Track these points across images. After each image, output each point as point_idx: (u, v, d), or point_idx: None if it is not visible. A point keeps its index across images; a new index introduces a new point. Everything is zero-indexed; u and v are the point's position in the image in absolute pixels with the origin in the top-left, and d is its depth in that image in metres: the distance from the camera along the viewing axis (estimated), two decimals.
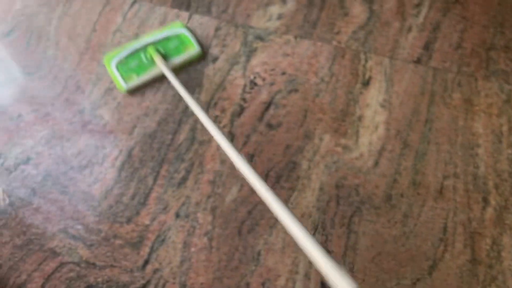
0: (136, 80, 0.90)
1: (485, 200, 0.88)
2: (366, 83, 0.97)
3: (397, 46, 1.01)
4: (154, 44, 0.93)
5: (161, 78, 0.97)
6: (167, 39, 0.93)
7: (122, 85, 0.89)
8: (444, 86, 0.98)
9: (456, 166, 0.90)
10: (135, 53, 0.92)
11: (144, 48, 0.92)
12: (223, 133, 0.68)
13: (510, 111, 0.96)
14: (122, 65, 0.91)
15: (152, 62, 0.92)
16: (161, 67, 0.88)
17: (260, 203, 0.86)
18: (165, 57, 0.92)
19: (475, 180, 0.89)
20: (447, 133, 0.93)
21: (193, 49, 0.94)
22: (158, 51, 0.91)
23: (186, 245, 0.83)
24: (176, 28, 0.95)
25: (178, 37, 0.94)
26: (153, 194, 0.87)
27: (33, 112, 0.93)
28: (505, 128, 0.94)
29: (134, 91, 0.95)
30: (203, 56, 0.97)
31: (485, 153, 0.92)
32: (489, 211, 0.87)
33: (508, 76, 1.00)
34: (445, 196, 0.87)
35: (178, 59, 0.93)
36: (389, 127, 0.94)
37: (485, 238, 0.85)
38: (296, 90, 0.97)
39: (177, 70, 0.97)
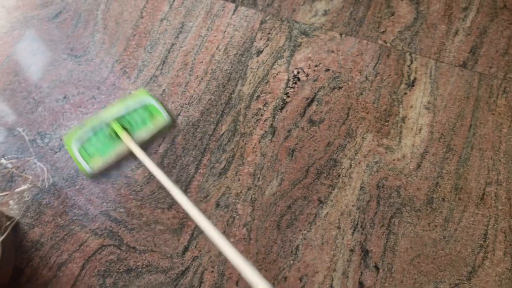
0: (101, 163, 0.83)
1: None
2: (411, 84, 0.97)
3: (443, 48, 1.01)
4: (119, 118, 0.85)
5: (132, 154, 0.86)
6: (133, 111, 0.86)
7: (86, 169, 0.82)
8: (489, 92, 0.97)
9: (499, 173, 0.90)
10: (98, 131, 0.84)
11: (107, 124, 0.85)
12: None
13: None
14: (85, 146, 0.84)
15: (117, 138, 0.84)
16: (128, 144, 0.81)
17: (300, 199, 0.87)
18: (131, 131, 0.84)
19: None
20: (491, 139, 0.93)
21: (162, 119, 0.87)
22: (123, 126, 0.84)
23: (225, 234, 0.84)
24: (142, 97, 0.88)
25: (144, 107, 0.87)
26: (195, 183, 0.88)
27: (79, 95, 0.95)
28: None
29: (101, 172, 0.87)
30: (173, 124, 0.91)
31: None
32: None
33: None
34: (486, 203, 0.87)
35: (145, 132, 0.86)
36: (433, 130, 0.93)
37: None
38: (339, 88, 0.97)
39: (149, 141, 0.89)
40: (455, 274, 0.82)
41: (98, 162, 0.83)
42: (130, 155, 0.86)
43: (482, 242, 0.84)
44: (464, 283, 0.81)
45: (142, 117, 0.86)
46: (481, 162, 0.90)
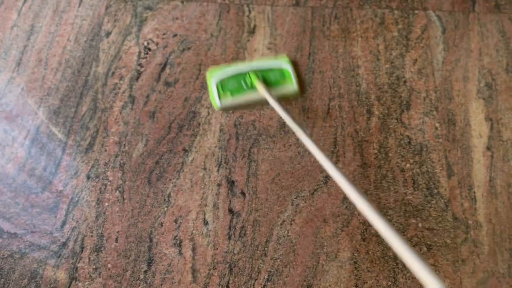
0: (230, 100, 0.94)
1: (369, 112, 1.03)
2: (252, 31, 1.13)
3: None
4: (256, 71, 0.97)
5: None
6: (270, 69, 0.97)
7: (217, 103, 0.94)
8: (322, 21, 1.14)
9: (340, 88, 1.06)
10: (236, 75, 0.96)
11: (245, 72, 0.96)
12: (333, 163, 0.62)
13: (385, 32, 1.13)
14: (222, 83, 0.96)
15: (250, 87, 0.95)
16: (262, 93, 0.91)
17: (166, 153, 1.00)
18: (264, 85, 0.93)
19: (358, 96, 1.05)
20: (329, 61, 1.09)
21: (291, 86, 0.97)
22: (258, 78, 0.94)
23: (99, 201, 0.96)
24: (281, 61, 0.99)
25: (280, 70, 0.98)
26: (63, 163, 0.99)
27: None
28: (381, 47, 1.11)
29: (226, 110, 1.02)
30: (298, 96, 1.02)
31: (365, 71, 1.08)
32: (374, 120, 1.02)
33: (380, 2, 1.17)
34: (332, 115, 1.03)
35: (275, 91, 0.96)
36: None
37: (372, 143, 1.00)
38: (188, 48, 1.11)
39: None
40: (312, 182, 0.96)
41: (228, 100, 0.95)
42: (256, 105, 0.99)
43: (333, 149, 0.99)
44: (321, 186, 0.96)
45: (275, 77, 0.97)
46: (322, 82, 1.06)
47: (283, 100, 1.03)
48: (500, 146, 0.99)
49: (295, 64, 1.05)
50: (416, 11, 1.14)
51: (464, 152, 0.99)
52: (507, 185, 0.95)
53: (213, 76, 0.97)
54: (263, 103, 0.96)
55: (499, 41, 1.11)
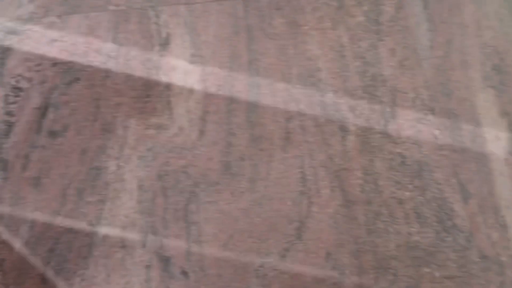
0: None
1: (343, 129, 1.11)
2: (165, 43, 1.19)
3: None
4: None
5: None
6: None
7: None
8: (260, 16, 1.22)
9: (299, 102, 1.13)
10: None
11: None
12: None
13: (346, 18, 1.23)
14: None
15: None
16: None
17: (63, 234, 1.02)
18: None
19: (324, 110, 1.12)
20: (278, 68, 1.17)
21: None
22: None
23: None
24: None
25: None
26: None
27: None
28: (345, 39, 1.20)
29: None
30: None
31: (329, 75, 1.16)
32: (351, 139, 1.09)
33: None
34: (294, 141, 1.09)
35: None
36: (207, 85, 1.15)
37: (354, 171, 1.07)
38: (77, 79, 1.16)
39: None
40: (281, 238, 1.01)
41: None
42: None
43: (302, 188, 1.04)
44: (295, 243, 1.00)
45: None
46: (274, 97, 1.13)
47: None
48: None
49: None
50: None
51: (479, 164, 1.07)
52: None
53: None
54: None
55: (500, 6, 1.23)
